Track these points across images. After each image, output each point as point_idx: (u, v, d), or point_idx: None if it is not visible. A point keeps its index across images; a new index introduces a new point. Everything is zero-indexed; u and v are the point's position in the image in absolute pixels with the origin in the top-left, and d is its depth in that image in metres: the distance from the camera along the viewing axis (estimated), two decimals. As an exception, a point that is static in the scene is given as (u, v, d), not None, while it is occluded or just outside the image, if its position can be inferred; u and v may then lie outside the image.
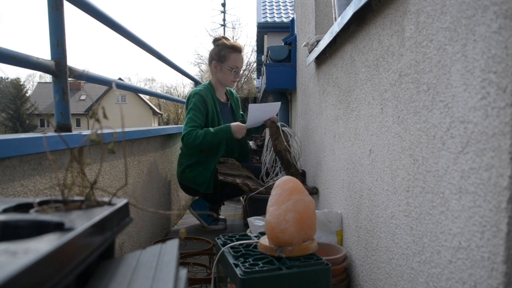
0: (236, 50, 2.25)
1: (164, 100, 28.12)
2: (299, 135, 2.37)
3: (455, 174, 0.59)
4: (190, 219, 2.56)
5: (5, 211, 0.46)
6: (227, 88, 2.42)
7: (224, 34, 21.88)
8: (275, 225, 0.93)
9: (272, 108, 2.19)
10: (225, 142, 2.20)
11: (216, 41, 2.31)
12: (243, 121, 2.37)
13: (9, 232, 0.39)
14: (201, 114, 2.15)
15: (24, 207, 0.48)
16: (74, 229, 0.37)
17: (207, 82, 2.35)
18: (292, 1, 7.48)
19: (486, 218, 0.51)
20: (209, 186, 2.17)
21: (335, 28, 1.24)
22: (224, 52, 2.25)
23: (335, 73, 1.44)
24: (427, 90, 0.69)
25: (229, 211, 2.82)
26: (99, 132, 0.47)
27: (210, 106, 2.20)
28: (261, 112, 2.14)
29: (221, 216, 2.42)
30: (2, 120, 29.31)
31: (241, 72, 2.30)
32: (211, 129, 2.09)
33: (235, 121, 2.31)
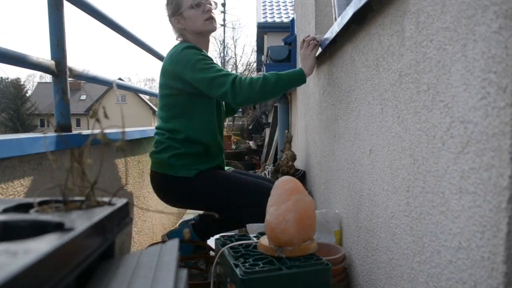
0: None
1: (164, 100, 28.04)
2: (299, 134, 2.36)
3: (455, 174, 0.59)
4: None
5: (5, 211, 0.46)
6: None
7: (224, 34, 21.87)
8: (275, 225, 0.93)
9: None
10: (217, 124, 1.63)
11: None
12: None
13: (9, 232, 0.39)
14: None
15: (24, 207, 0.48)
16: (74, 229, 0.37)
17: (179, 44, 1.59)
18: (292, 1, 7.48)
19: (486, 218, 0.51)
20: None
21: (335, 28, 1.24)
22: (175, 0, 1.61)
23: (335, 73, 1.44)
24: (427, 90, 0.69)
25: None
26: (103, 132, 0.47)
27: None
28: None
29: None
30: (2, 120, 29.28)
31: (213, 5, 1.59)
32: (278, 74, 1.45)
33: None
